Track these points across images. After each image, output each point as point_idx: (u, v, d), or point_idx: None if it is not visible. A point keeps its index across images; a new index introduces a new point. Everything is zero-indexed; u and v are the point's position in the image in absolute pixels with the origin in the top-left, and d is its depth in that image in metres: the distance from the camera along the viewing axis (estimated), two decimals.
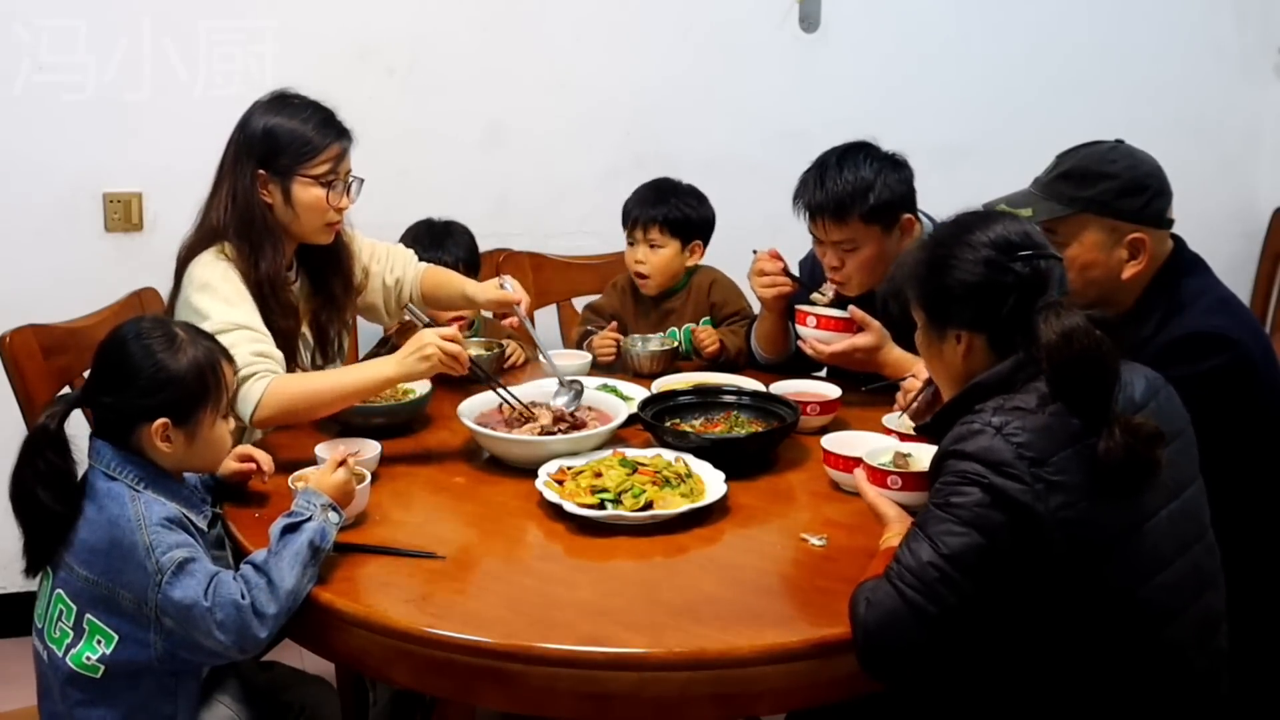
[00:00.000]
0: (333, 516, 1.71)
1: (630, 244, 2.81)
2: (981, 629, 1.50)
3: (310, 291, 2.38)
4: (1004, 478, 1.46)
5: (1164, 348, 1.87)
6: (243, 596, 1.60)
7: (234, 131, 2.27)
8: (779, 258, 2.52)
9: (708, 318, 2.75)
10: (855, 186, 2.36)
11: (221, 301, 2.15)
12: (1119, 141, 2.04)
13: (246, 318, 2.16)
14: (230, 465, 1.91)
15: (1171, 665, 1.56)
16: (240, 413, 2.08)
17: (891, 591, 1.48)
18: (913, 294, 1.70)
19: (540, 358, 2.35)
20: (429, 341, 2.08)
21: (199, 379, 1.70)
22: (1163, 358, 1.77)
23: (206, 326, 2.07)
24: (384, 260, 2.53)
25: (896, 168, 2.42)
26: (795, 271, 2.56)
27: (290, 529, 1.66)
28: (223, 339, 2.06)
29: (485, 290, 2.43)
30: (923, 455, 1.88)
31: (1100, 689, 1.52)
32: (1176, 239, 2.05)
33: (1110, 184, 1.95)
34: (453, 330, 2.14)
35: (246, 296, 2.19)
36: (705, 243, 2.81)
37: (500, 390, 2.25)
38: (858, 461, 1.90)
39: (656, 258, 2.77)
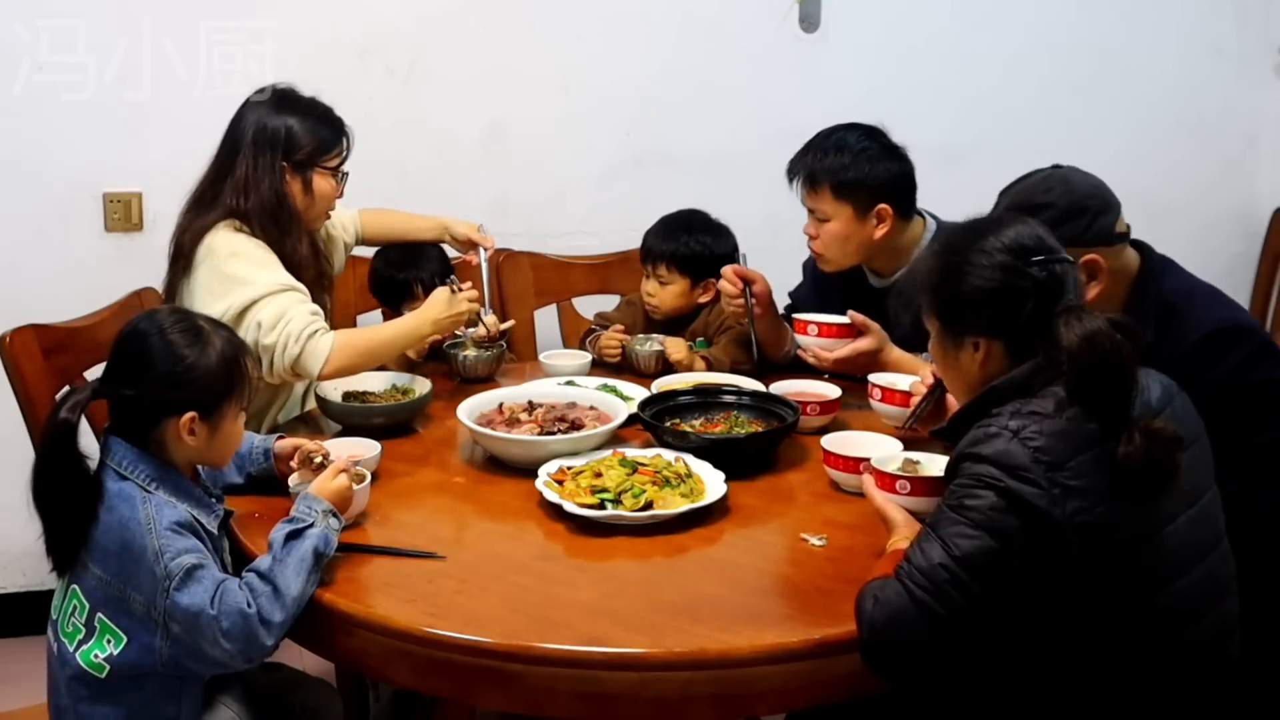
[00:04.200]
0: (333, 522, 1.70)
1: (644, 275, 2.80)
2: (989, 630, 1.49)
3: None
4: (1020, 481, 1.46)
5: (1190, 351, 1.88)
6: (248, 605, 1.60)
7: (246, 126, 2.35)
8: (741, 275, 2.52)
9: (701, 339, 2.72)
10: (834, 161, 2.41)
11: (258, 266, 2.26)
12: (1056, 166, 2.02)
13: (289, 279, 2.29)
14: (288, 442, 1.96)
15: (1185, 672, 1.55)
16: (308, 368, 2.23)
17: (900, 590, 1.48)
18: (926, 303, 1.69)
19: (482, 311, 2.52)
20: (457, 298, 2.38)
21: (226, 372, 1.71)
22: (1191, 362, 1.79)
23: (250, 292, 2.22)
24: (337, 225, 2.68)
25: (888, 156, 2.43)
26: (790, 287, 2.54)
27: (293, 535, 1.66)
28: (275, 301, 2.22)
29: (463, 226, 2.71)
30: (931, 462, 1.88)
31: (1111, 695, 1.52)
32: (1141, 245, 2.04)
33: (1048, 214, 1.89)
34: (472, 291, 2.43)
35: (277, 260, 2.30)
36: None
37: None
38: (858, 461, 1.91)
39: (664, 293, 2.75)
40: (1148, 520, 1.51)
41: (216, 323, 1.79)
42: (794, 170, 2.48)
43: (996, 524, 1.46)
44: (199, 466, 1.81)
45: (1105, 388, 1.49)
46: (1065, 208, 1.93)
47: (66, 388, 2.15)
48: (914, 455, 1.93)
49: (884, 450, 1.96)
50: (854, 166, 2.40)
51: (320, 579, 1.66)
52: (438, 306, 2.37)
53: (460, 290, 2.39)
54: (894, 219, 2.44)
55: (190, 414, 1.68)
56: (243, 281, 2.23)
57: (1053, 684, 1.53)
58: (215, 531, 1.75)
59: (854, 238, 2.44)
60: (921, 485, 1.78)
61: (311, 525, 1.67)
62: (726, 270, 2.54)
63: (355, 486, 1.85)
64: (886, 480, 1.79)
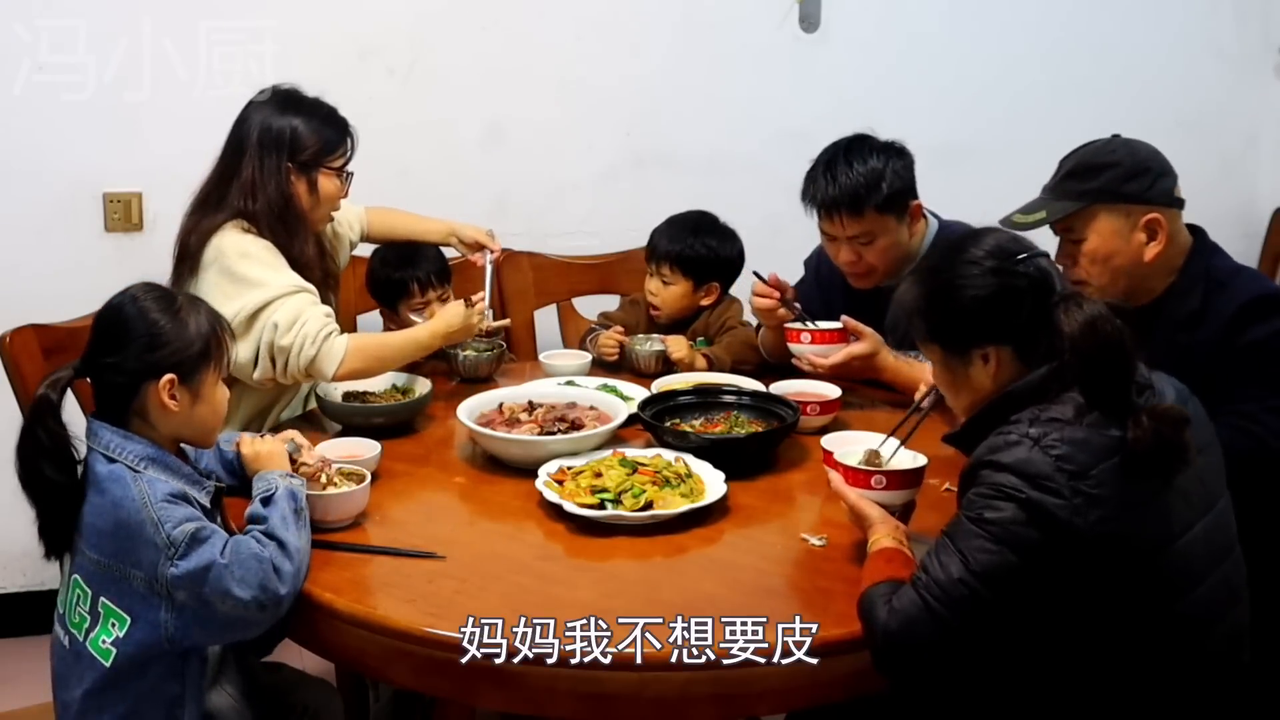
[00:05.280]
0: (294, 481, 1.76)
1: (648, 273, 2.81)
2: (1005, 637, 1.48)
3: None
4: (1042, 492, 1.44)
5: (1235, 314, 1.96)
6: (260, 548, 1.63)
7: (250, 127, 2.35)
8: (777, 285, 2.48)
9: (702, 338, 2.73)
10: (868, 178, 2.37)
11: (269, 268, 2.27)
12: (1115, 135, 2.10)
13: (300, 280, 2.30)
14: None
15: (1199, 681, 1.54)
16: (323, 369, 2.25)
17: (917, 600, 1.47)
18: (922, 329, 1.67)
19: (487, 310, 2.54)
20: (470, 311, 2.41)
21: (203, 336, 1.73)
22: (1234, 325, 1.92)
23: (263, 294, 2.23)
24: (342, 223, 2.68)
25: (900, 155, 2.43)
26: (792, 284, 2.53)
27: (266, 501, 1.71)
28: (289, 302, 2.24)
29: (471, 230, 2.72)
30: (893, 451, 1.85)
31: (1124, 702, 1.51)
32: (1195, 228, 2.10)
33: (1114, 172, 2.01)
34: (483, 304, 2.46)
35: (285, 261, 2.31)
36: (725, 284, 2.78)
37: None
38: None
39: (667, 293, 2.76)
40: (1167, 529, 1.50)
41: (191, 296, 1.82)
42: (829, 201, 2.39)
43: (1017, 538, 1.44)
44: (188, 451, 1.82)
45: (1109, 372, 1.49)
46: (1130, 167, 2.02)
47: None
48: (874, 445, 1.88)
49: (885, 450, 1.95)
50: (888, 177, 2.37)
51: (311, 544, 1.71)
52: (450, 321, 2.39)
53: (473, 304, 2.42)
54: (919, 212, 2.46)
55: (169, 376, 1.69)
56: (255, 283, 2.24)
57: (1065, 690, 1.52)
58: (209, 506, 1.75)
59: (899, 245, 2.44)
60: (895, 479, 1.76)
61: (276, 490, 1.73)
62: (758, 285, 2.49)
63: (355, 486, 1.87)
64: (860, 477, 1.77)
